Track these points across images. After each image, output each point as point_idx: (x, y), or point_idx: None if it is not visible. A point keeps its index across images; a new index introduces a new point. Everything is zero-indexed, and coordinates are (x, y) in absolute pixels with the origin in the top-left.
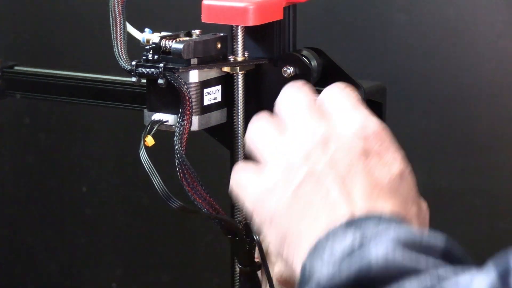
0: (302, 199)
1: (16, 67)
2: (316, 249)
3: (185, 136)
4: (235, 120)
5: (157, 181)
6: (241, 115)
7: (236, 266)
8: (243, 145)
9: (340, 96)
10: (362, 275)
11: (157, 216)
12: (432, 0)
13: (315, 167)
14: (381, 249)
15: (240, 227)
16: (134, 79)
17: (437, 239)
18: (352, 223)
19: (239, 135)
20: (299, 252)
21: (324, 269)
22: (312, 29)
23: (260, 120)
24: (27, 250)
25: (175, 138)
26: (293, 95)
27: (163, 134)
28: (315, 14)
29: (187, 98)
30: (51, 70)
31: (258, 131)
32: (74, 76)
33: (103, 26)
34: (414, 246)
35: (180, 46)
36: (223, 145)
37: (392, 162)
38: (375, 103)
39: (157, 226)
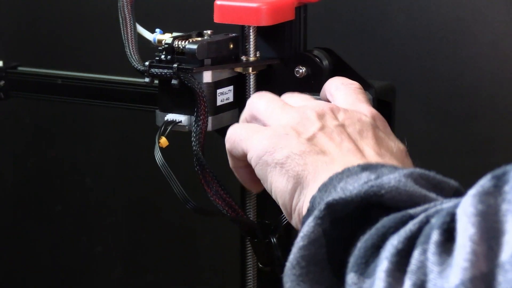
0: (317, 146)
1: (19, 68)
2: (329, 183)
3: (202, 137)
4: None
5: (174, 184)
6: None
7: (248, 265)
8: None
9: (345, 88)
10: (372, 192)
11: (157, 216)
12: (432, 0)
13: (328, 124)
14: (393, 176)
15: (259, 227)
16: (147, 79)
17: (450, 181)
18: (368, 167)
19: None
20: (311, 193)
21: (334, 195)
22: (313, 29)
23: (265, 92)
24: (27, 250)
25: (192, 139)
26: (297, 93)
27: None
28: (315, 14)
29: (202, 98)
30: (54, 70)
31: (264, 97)
32: (77, 77)
33: (106, 26)
34: (427, 181)
35: (194, 46)
36: None
37: (396, 140)
38: (384, 103)
39: (157, 226)
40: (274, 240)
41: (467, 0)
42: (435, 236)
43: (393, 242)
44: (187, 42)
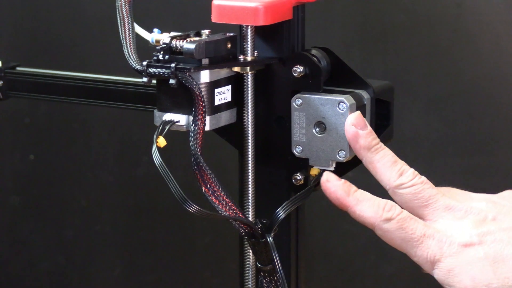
0: None
1: (18, 68)
2: None
3: (200, 136)
4: (244, 120)
5: (172, 184)
6: (251, 115)
7: (247, 265)
8: (253, 145)
9: None
10: None
11: (157, 216)
12: (433, 0)
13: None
14: None
15: (258, 227)
16: (145, 79)
17: None
18: None
19: (249, 135)
20: None
21: None
22: (311, 28)
23: None
24: (26, 249)
25: (190, 139)
26: None
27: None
28: (313, 14)
29: (199, 98)
30: (53, 70)
31: None
32: (76, 77)
33: (105, 26)
34: None
35: (192, 46)
36: (232, 145)
37: None
38: (383, 102)
39: (157, 226)
40: (270, 239)
41: (467, 0)
42: None
43: None
44: (185, 41)
